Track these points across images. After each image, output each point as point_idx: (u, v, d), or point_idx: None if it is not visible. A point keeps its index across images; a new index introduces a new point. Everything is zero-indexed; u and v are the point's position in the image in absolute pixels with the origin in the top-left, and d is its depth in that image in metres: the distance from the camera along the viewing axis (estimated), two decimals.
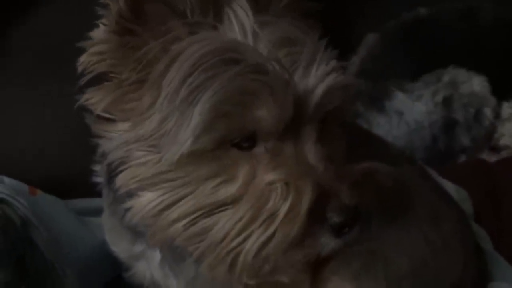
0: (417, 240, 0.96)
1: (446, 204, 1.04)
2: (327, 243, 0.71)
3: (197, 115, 0.68)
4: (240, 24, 0.72)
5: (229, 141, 0.70)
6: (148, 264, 0.87)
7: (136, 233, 0.84)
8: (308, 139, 0.72)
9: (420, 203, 0.98)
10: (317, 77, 0.71)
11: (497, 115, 1.52)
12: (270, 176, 0.71)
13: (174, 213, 0.71)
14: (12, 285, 0.85)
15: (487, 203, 1.29)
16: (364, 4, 1.52)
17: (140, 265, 0.89)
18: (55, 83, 1.07)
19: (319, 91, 0.71)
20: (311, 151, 0.72)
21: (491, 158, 1.51)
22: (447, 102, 1.47)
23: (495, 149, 1.54)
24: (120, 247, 0.90)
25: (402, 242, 0.95)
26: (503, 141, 1.53)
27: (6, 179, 1.02)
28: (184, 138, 0.68)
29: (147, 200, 0.72)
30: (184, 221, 0.71)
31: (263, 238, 0.69)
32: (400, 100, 1.47)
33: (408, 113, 1.46)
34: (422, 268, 0.95)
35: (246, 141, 0.71)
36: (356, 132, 1.04)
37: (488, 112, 1.49)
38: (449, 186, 1.24)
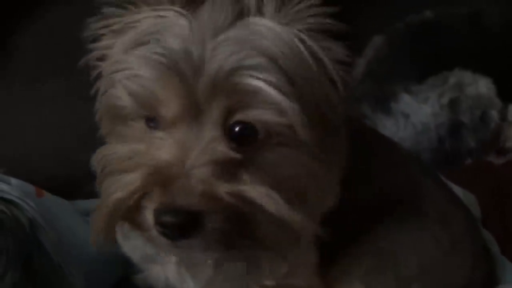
0: (427, 241, 0.96)
1: (455, 206, 1.04)
2: (160, 240, 0.69)
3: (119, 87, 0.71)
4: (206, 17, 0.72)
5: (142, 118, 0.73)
6: (163, 266, 0.87)
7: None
8: (200, 136, 0.70)
9: (430, 204, 0.98)
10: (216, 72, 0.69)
11: (503, 118, 1.52)
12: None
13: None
14: (20, 285, 0.85)
15: (493, 206, 1.29)
16: (370, 7, 1.51)
17: (154, 267, 0.88)
18: (60, 83, 1.07)
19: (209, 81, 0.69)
20: (187, 145, 0.70)
21: (497, 160, 1.50)
22: (453, 104, 1.46)
23: (501, 151, 1.54)
24: (133, 248, 0.89)
25: (412, 242, 0.95)
26: (509, 144, 1.53)
27: (13, 180, 1.02)
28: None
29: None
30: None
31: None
32: (406, 102, 1.47)
33: (414, 115, 1.46)
34: (431, 269, 0.94)
35: (150, 121, 0.72)
36: (366, 133, 1.04)
37: (494, 114, 1.49)
38: (456, 190, 1.23)
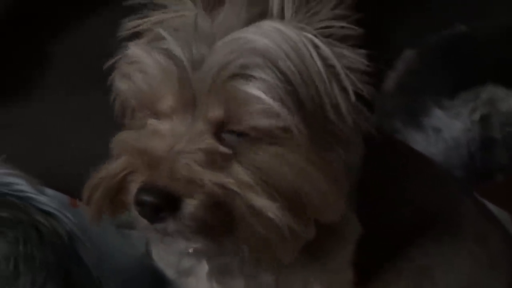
0: (465, 259, 0.95)
1: (493, 224, 1.03)
2: (140, 221, 0.70)
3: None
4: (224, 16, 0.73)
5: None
6: (197, 280, 0.86)
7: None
8: (190, 128, 0.70)
9: (468, 222, 0.97)
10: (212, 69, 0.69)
11: None
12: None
13: None
14: None
15: None
16: (403, 20, 1.52)
17: (189, 282, 0.88)
18: (96, 94, 1.06)
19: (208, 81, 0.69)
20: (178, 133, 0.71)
21: None
22: (485, 120, 1.45)
23: None
24: (167, 262, 0.89)
25: (450, 261, 0.94)
26: None
27: (48, 190, 1.02)
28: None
29: None
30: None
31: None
32: (438, 117, 1.45)
33: (445, 130, 1.45)
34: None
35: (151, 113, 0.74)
36: (401, 149, 1.03)
37: None
38: (490, 207, 1.22)
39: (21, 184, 0.95)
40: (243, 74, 0.68)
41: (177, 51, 0.70)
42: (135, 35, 0.77)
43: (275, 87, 0.68)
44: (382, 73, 1.24)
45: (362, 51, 0.72)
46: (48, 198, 0.95)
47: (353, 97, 0.72)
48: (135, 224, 0.73)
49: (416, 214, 0.93)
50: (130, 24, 0.77)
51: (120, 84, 0.75)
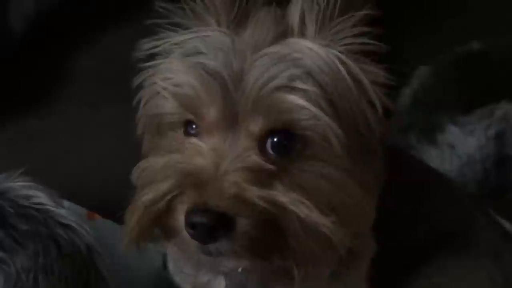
0: (481, 276, 0.95)
1: (506, 240, 1.03)
2: (190, 243, 0.69)
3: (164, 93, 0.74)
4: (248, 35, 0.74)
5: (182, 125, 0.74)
6: None
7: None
8: (234, 145, 0.71)
9: (483, 239, 0.98)
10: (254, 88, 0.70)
11: None
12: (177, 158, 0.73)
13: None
14: None
15: None
16: (418, 37, 1.52)
17: None
18: (117, 108, 1.08)
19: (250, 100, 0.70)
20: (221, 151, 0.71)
21: None
22: (499, 136, 1.44)
23: None
24: (183, 276, 0.89)
25: (466, 277, 0.94)
26: None
27: (67, 203, 1.03)
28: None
29: None
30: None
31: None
32: (452, 133, 1.45)
33: (460, 147, 1.44)
34: None
35: (190, 128, 0.74)
36: (416, 166, 1.03)
37: None
38: (504, 223, 1.22)
39: (41, 197, 0.95)
40: (287, 86, 0.70)
41: (219, 67, 0.71)
42: (152, 56, 0.77)
43: (315, 97, 0.70)
44: (397, 89, 1.23)
45: (383, 65, 0.74)
46: (66, 211, 0.95)
47: (380, 110, 0.73)
48: (180, 247, 0.73)
49: (431, 231, 0.93)
50: (147, 45, 0.77)
51: (155, 101, 0.76)
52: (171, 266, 0.91)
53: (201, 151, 0.71)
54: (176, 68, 0.73)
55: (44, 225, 0.91)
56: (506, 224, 1.23)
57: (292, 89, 0.70)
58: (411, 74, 1.55)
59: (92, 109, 1.20)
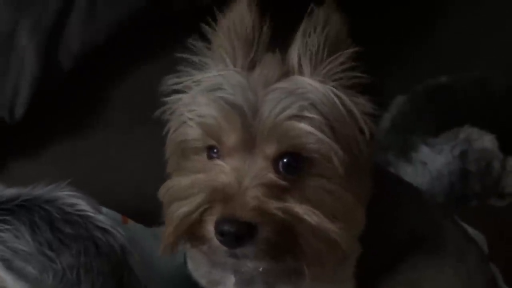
0: (448, 273, 0.94)
1: (470, 242, 1.02)
2: (219, 248, 0.70)
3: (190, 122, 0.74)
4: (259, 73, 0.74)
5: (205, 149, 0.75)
6: None
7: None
8: (252, 165, 0.71)
9: (450, 241, 0.96)
10: (269, 118, 0.71)
11: (503, 167, 1.51)
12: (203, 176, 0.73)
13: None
14: None
15: (498, 244, 1.27)
16: (396, 71, 1.53)
17: None
18: (145, 130, 1.08)
19: (268, 125, 0.71)
20: (243, 169, 0.71)
21: (498, 203, 1.50)
22: (463, 155, 1.46)
23: (501, 196, 1.53)
24: (200, 273, 0.89)
25: (436, 274, 0.93)
26: (508, 189, 1.53)
27: (104, 209, 1.02)
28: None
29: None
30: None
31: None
32: (424, 152, 1.46)
33: (431, 164, 1.46)
34: None
35: (212, 151, 0.74)
36: (394, 180, 1.03)
37: (496, 164, 1.49)
38: (468, 228, 1.21)
39: (82, 205, 0.95)
40: (298, 115, 0.71)
41: (237, 100, 0.72)
42: (176, 91, 0.78)
43: (319, 124, 0.71)
44: (378, 116, 1.24)
45: (367, 97, 0.74)
46: (104, 216, 0.94)
47: (368, 136, 0.74)
48: (208, 252, 0.73)
49: (406, 235, 0.92)
50: (172, 81, 0.78)
51: (181, 130, 0.76)
52: (189, 264, 0.91)
53: (225, 170, 0.72)
54: (200, 101, 0.74)
55: (85, 229, 0.91)
56: (469, 229, 1.23)
57: (302, 118, 0.71)
58: (389, 103, 1.56)
59: (125, 131, 1.20)
